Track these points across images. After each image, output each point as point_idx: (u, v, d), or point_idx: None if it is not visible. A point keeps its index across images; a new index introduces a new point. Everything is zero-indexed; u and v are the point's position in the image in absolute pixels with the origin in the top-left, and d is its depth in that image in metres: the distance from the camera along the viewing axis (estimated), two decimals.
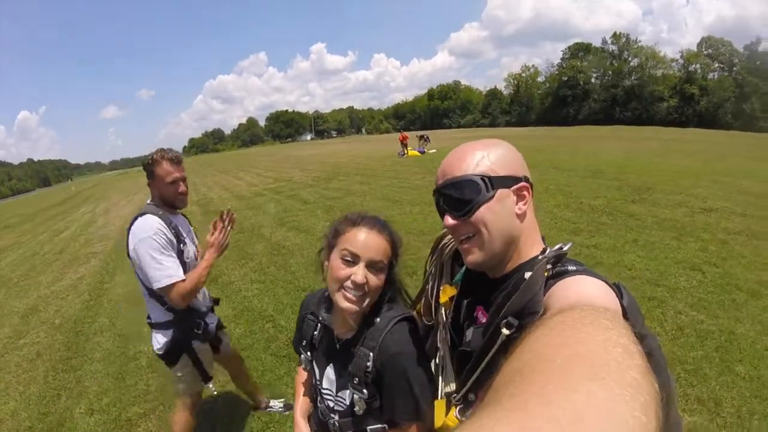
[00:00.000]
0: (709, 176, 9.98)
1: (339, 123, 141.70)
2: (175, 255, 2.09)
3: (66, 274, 7.70)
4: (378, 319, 1.19)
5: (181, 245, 2.16)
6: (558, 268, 0.81)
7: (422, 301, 1.27)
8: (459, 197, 0.90)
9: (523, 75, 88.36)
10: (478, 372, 0.80)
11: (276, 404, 3.05)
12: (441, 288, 1.14)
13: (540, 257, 0.86)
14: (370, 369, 1.14)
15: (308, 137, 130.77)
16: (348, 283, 1.13)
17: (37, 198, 49.24)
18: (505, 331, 0.72)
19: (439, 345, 1.09)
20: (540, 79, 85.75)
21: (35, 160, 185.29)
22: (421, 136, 26.00)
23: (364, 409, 1.18)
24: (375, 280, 1.14)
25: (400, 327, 1.18)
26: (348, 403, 1.22)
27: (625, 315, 0.68)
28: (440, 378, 1.03)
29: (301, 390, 1.46)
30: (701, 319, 3.66)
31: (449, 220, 0.92)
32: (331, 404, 1.28)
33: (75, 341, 4.67)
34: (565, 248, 0.85)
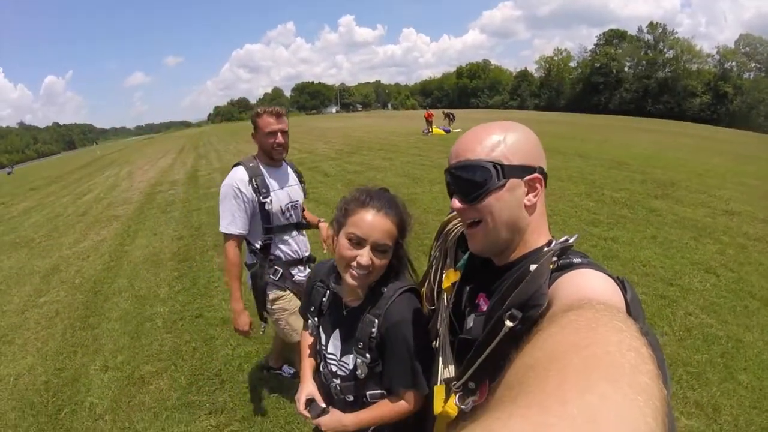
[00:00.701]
0: (737, 178, 9.74)
1: (365, 97, 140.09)
2: (243, 206, 2.27)
3: (88, 235, 7.90)
4: (385, 289, 1.24)
5: (262, 197, 2.29)
6: (563, 260, 0.80)
7: (426, 286, 1.28)
8: (469, 181, 0.88)
9: (555, 58, 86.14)
10: (479, 361, 0.79)
11: (287, 369, 3.15)
12: (444, 273, 1.15)
13: (546, 249, 0.85)
14: (374, 334, 1.20)
15: (333, 110, 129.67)
16: (354, 264, 1.17)
17: (62, 161, 50.24)
18: (509, 323, 0.71)
19: (439, 330, 1.09)
20: (572, 63, 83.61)
21: (61, 124, 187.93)
22: (447, 115, 25.67)
23: (365, 374, 1.24)
24: (380, 261, 1.18)
25: (405, 297, 1.23)
26: (351, 368, 1.28)
27: (628, 311, 0.68)
28: (440, 363, 1.03)
29: (306, 352, 1.51)
30: (710, 323, 3.62)
31: (456, 203, 0.91)
32: (334, 369, 1.33)
33: (93, 301, 4.83)
34: (571, 240, 0.83)
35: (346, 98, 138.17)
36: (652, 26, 70.19)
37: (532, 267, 0.76)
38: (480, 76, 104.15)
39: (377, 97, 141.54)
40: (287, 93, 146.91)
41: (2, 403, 3.23)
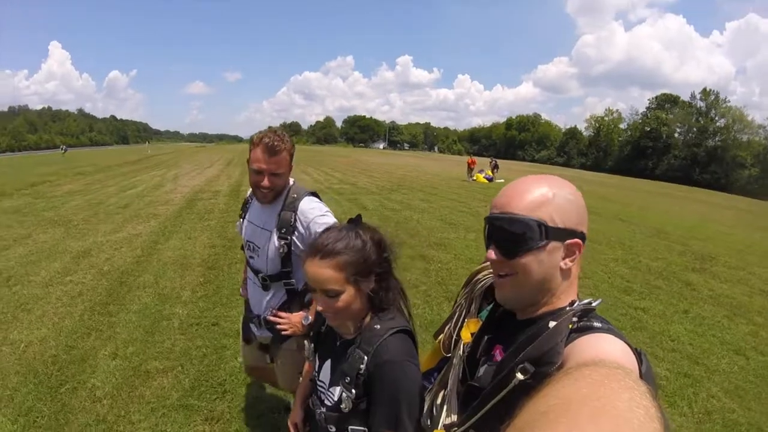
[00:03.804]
0: None
1: (413, 137, 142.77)
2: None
3: (125, 227, 8.14)
4: (378, 327, 1.24)
5: (240, 217, 2.20)
6: (583, 322, 0.80)
7: (445, 332, 1.28)
8: (510, 235, 0.86)
9: (606, 119, 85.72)
10: (483, 411, 0.79)
11: None
12: (465, 321, 1.15)
13: (568, 309, 0.84)
14: (362, 371, 1.19)
15: (381, 146, 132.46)
16: None
17: (112, 153, 52.46)
18: (520, 376, 0.72)
19: (450, 376, 1.09)
20: (622, 125, 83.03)
21: (118, 118, 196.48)
22: (492, 162, 25.84)
23: (350, 408, 1.23)
24: (333, 305, 1.21)
25: (398, 338, 1.22)
26: (336, 399, 1.27)
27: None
28: (444, 408, 1.03)
29: (307, 375, 1.54)
30: (733, 408, 3.40)
31: (492, 255, 0.89)
32: (322, 397, 1.34)
33: (117, 290, 4.94)
34: (594, 303, 0.83)
35: (394, 136, 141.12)
36: (705, 93, 69.00)
37: (551, 324, 0.77)
38: (529, 129, 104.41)
39: (425, 138, 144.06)
40: (339, 124, 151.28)
41: (8, 366, 3.33)
